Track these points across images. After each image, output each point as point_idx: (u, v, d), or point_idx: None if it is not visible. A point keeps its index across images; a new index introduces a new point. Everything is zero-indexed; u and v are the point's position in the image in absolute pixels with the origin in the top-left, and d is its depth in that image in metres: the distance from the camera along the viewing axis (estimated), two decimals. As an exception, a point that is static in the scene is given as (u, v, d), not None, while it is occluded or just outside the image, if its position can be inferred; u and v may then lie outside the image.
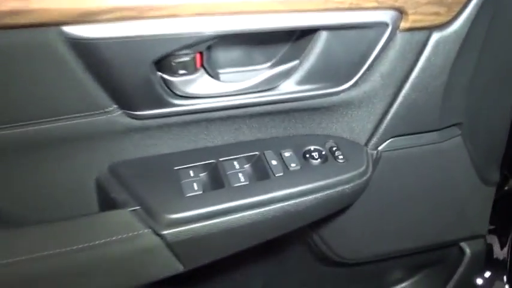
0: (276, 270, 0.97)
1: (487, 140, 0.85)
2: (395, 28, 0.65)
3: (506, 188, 1.07)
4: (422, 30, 0.67)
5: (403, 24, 0.65)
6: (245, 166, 0.67)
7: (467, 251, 0.97)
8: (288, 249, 0.93)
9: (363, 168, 0.70)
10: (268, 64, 0.65)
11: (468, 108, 0.79)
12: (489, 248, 1.06)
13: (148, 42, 0.53)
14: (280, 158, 0.68)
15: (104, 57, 0.53)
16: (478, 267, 1.03)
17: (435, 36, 0.68)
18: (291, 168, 0.67)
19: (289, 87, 0.66)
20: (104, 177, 0.65)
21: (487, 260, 1.06)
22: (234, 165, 0.66)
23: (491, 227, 1.05)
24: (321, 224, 0.83)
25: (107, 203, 0.64)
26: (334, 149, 0.71)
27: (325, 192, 0.67)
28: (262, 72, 0.64)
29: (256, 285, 0.98)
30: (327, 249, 0.88)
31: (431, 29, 0.67)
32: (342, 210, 0.79)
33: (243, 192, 0.63)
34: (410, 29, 0.66)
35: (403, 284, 1.05)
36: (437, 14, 0.66)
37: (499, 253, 1.07)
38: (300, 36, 0.64)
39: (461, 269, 0.99)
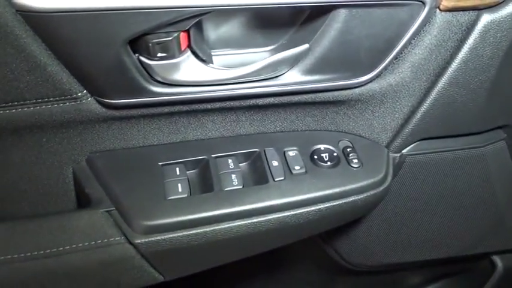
0: (285, 277, 0.88)
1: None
2: (434, 7, 0.52)
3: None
4: (468, 11, 0.54)
5: (445, 3, 0.52)
6: (241, 165, 0.58)
7: (500, 264, 0.86)
8: (297, 256, 0.84)
9: (381, 175, 0.59)
10: (272, 47, 0.54)
11: None
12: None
13: (118, 17, 0.44)
14: (283, 157, 0.58)
15: (63, 34, 0.44)
16: (510, 282, 0.91)
17: (484, 19, 0.55)
18: (294, 172, 0.56)
19: (297, 77, 0.54)
20: (80, 169, 0.57)
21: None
22: (228, 164, 0.56)
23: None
24: (331, 232, 0.73)
25: (83, 199, 0.57)
26: (348, 150, 0.60)
27: (334, 203, 0.56)
28: (264, 57, 0.53)
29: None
30: (339, 258, 0.78)
31: (480, 9, 0.54)
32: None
33: (234, 198, 0.54)
34: (453, 9, 0.53)
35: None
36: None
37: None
38: (312, 15, 0.52)
39: (491, 283, 0.88)
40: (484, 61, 0.57)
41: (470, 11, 0.54)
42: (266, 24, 0.54)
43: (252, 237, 0.54)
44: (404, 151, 0.64)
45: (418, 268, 0.87)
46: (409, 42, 0.54)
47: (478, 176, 0.70)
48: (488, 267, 0.88)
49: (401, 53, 0.55)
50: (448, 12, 0.54)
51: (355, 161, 0.59)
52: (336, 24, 0.51)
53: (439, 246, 0.79)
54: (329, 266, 0.81)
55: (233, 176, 0.55)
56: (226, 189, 0.54)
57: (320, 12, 0.51)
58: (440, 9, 0.53)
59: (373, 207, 0.63)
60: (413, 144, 0.64)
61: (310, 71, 0.54)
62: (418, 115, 0.60)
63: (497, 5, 0.54)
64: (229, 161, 0.57)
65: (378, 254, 0.78)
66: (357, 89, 0.57)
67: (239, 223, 0.53)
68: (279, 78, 0.54)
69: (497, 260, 0.86)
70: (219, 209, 0.53)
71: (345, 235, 0.74)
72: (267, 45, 0.54)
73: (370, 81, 0.57)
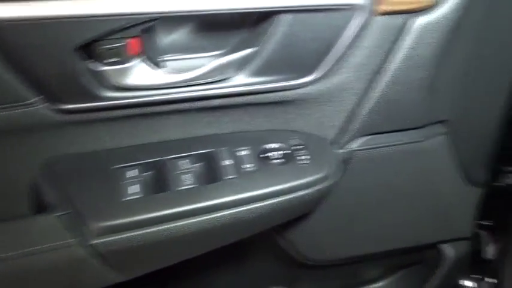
0: (244, 270, 0.91)
1: (475, 139, 0.77)
2: (371, 11, 0.56)
3: (502, 184, 0.99)
4: (403, 14, 0.58)
5: (381, 7, 0.56)
6: (194, 166, 0.60)
7: (448, 253, 0.90)
8: (255, 250, 0.86)
9: (328, 171, 0.62)
10: (220, 51, 0.57)
11: (456, 104, 0.70)
12: (478, 248, 0.99)
13: (66, 25, 0.45)
14: (236, 157, 0.60)
15: (14, 42, 0.45)
16: (461, 269, 0.96)
17: (420, 21, 0.59)
18: (246, 170, 0.59)
19: (245, 79, 0.57)
20: (36, 174, 0.58)
21: (476, 260, 1.00)
22: (181, 165, 0.58)
23: (488, 223, 0.98)
24: (286, 226, 0.76)
25: (39, 203, 0.57)
26: (298, 147, 0.63)
27: (283, 198, 0.59)
28: (213, 60, 0.55)
29: (224, 285, 0.92)
30: (295, 253, 0.81)
31: (414, 12, 0.58)
32: (309, 212, 0.72)
33: (188, 196, 0.56)
34: (389, 13, 0.57)
35: (380, 284, 0.99)
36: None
37: (491, 252, 1.00)
38: (258, 20, 0.55)
39: (441, 271, 0.92)
40: (423, 60, 0.61)
41: (405, 14, 0.58)
42: (215, 30, 0.57)
43: (207, 233, 0.57)
44: (351, 147, 0.67)
45: (375, 260, 0.91)
46: (351, 44, 0.58)
47: (420, 168, 0.74)
48: (439, 256, 0.92)
49: (345, 54, 0.59)
50: (385, 16, 0.57)
51: (304, 157, 0.62)
52: (280, 28, 0.54)
53: (390, 238, 0.83)
54: (288, 260, 0.84)
55: (187, 176, 0.57)
56: (180, 188, 0.56)
57: (265, 17, 0.54)
58: (376, 13, 0.56)
59: (322, 200, 0.66)
60: (359, 140, 0.67)
61: (257, 73, 0.57)
62: (363, 112, 0.64)
63: (429, 8, 0.58)
64: (183, 162, 0.59)
65: (332, 248, 0.82)
66: (303, 89, 0.60)
67: (193, 220, 0.55)
68: (228, 80, 0.57)
69: (446, 248, 0.91)
70: (173, 208, 0.55)
71: (300, 230, 0.77)
72: (216, 50, 0.57)
73: (316, 82, 0.60)
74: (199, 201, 0.56)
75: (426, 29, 0.59)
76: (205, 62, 0.55)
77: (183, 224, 0.55)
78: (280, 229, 0.77)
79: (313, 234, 0.78)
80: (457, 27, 0.60)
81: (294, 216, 0.66)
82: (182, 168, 0.58)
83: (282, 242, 0.80)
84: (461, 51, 0.64)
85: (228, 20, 0.56)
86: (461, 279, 0.99)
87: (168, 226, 0.54)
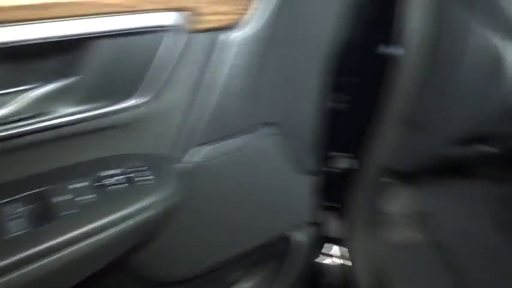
0: None
1: (302, 134, 0.85)
2: (186, 31, 0.58)
3: (337, 168, 1.11)
4: (218, 31, 0.62)
5: (195, 26, 0.59)
6: (25, 209, 0.55)
7: (300, 239, 0.98)
8: (108, 276, 0.83)
9: (173, 187, 0.63)
10: (34, 84, 0.53)
11: (280, 107, 0.77)
12: (326, 230, 1.10)
13: None
14: (69, 191, 0.57)
15: None
16: (316, 250, 1.05)
17: (235, 37, 0.64)
18: (82, 202, 0.57)
19: (67, 109, 0.55)
20: None
21: (324, 242, 1.10)
22: (10, 210, 0.54)
23: (336, 205, 1.09)
24: (140, 249, 0.74)
25: None
26: (137, 169, 0.62)
27: (129, 222, 0.58)
28: (27, 94, 0.52)
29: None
30: (151, 273, 0.80)
31: (227, 29, 0.62)
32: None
33: (21, 243, 0.51)
34: (204, 30, 0.60)
35: (246, 284, 1.03)
36: (230, 13, 0.61)
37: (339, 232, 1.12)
38: (72, 48, 0.53)
39: (298, 257, 1.00)
40: (243, 70, 0.66)
41: (220, 31, 0.62)
42: (27, 61, 0.53)
43: (45, 279, 0.53)
44: (193, 160, 0.70)
45: (236, 263, 0.94)
46: (174, 63, 0.60)
47: (258, 169, 0.80)
48: (292, 244, 0.99)
49: (170, 74, 0.60)
50: (202, 33, 0.61)
51: (145, 178, 0.61)
52: (97, 54, 0.53)
53: (244, 239, 0.87)
54: (147, 281, 0.82)
55: (18, 221, 0.53)
56: (11, 235, 0.52)
57: (79, 45, 0.52)
58: (194, 31, 0.59)
59: (171, 219, 0.67)
60: (200, 152, 0.70)
61: (80, 101, 0.55)
62: (194, 124, 0.66)
63: (241, 24, 0.63)
64: (12, 206, 0.54)
65: (189, 261, 0.83)
66: (131, 112, 0.60)
67: (25, 270, 0.51)
68: (49, 113, 0.54)
69: (297, 236, 0.98)
70: (5, 259, 0.50)
71: (153, 249, 0.75)
72: (29, 83, 0.53)
73: (144, 103, 0.60)
74: (33, 247, 0.51)
75: (242, 43, 0.64)
76: (17, 97, 0.52)
77: (19, 274, 0.51)
78: (132, 251, 0.75)
79: (167, 251, 0.78)
80: (269, 40, 0.66)
81: (147, 238, 0.66)
82: (11, 213, 0.54)
83: (136, 264, 0.78)
84: (276, 61, 0.71)
85: (38, 50, 0.53)
86: (316, 259, 1.09)
87: (3, 280, 0.50)
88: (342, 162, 1.08)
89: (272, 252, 0.99)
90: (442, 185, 1.30)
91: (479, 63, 0.80)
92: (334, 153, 1.06)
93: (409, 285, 1.09)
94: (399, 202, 1.26)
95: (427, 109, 0.92)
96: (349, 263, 1.11)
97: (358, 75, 0.95)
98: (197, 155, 0.70)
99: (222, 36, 0.63)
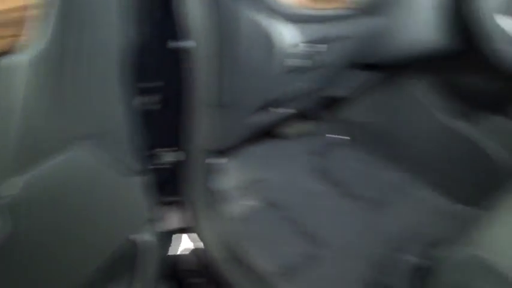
0: None
1: (120, 140, 0.87)
2: None
3: (165, 164, 1.15)
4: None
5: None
6: None
7: (147, 239, 1.00)
8: None
9: None
10: None
11: (93, 117, 0.78)
12: (171, 223, 1.14)
13: None
14: None
15: None
16: (160, 248, 1.08)
17: (18, 60, 0.62)
18: None
19: None
20: None
21: (171, 235, 1.14)
22: None
23: (177, 198, 1.13)
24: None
25: None
26: None
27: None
28: None
29: None
30: None
31: (8, 53, 0.61)
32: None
33: None
34: None
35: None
36: (7, 36, 0.60)
37: (184, 222, 1.16)
38: None
39: (142, 259, 1.00)
40: (39, 91, 0.66)
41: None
42: None
43: None
44: (8, 194, 0.66)
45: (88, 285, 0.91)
46: None
47: (84, 185, 0.80)
48: (141, 246, 1.00)
49: None
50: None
51: None
52: None
53: (91, 258, 0.85)
54: None
55: None
56: None
57: None
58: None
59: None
60: (15, 184, 0.66)
61: None
62: (2, 157, 0.63)
63: (22, 47, 0.62)
64: None
65: None
66: None
67: None
68: None
69: (143, 237, 0.99)
70: None
71: None
72: None
73: None
74: None
75: (29, 64, 0.63)
76: None
77: None
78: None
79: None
80: (61, 56, 0.67)
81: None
82: None
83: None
84: (74, 74, 0.71)
85: None
86: (168, 252, 1.13)
87: None
88: (169, 157, 1.13)
89: (124, 261, 0.99)
90: (264, 150, 1.46)
91: (254, 41, 0.93)
92: (158, 150, 1.10)
93: (264, 250, 1.18)
94: (230, 177, 1.37)
95: (227, 90, 1.03)
96: (202, 246, 1.17)
97: (160, 73, 1.00)
98: (14, 186, 0.67)
99: (3, 61, 0.61)
